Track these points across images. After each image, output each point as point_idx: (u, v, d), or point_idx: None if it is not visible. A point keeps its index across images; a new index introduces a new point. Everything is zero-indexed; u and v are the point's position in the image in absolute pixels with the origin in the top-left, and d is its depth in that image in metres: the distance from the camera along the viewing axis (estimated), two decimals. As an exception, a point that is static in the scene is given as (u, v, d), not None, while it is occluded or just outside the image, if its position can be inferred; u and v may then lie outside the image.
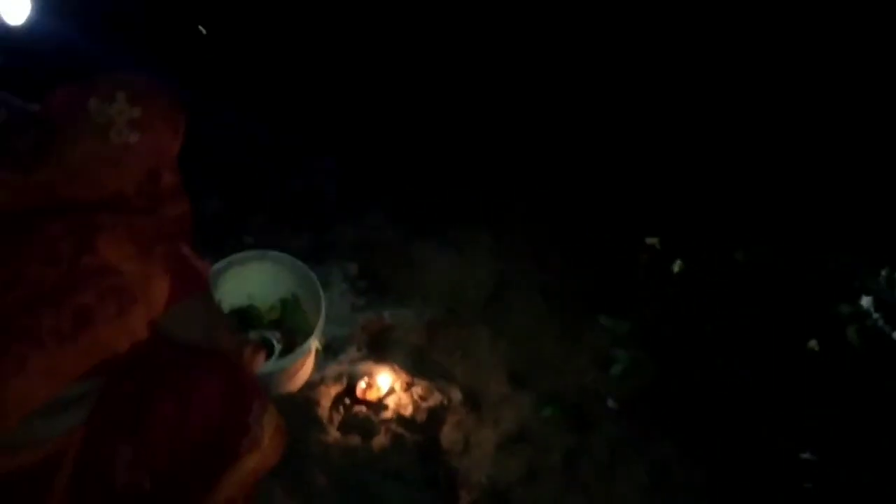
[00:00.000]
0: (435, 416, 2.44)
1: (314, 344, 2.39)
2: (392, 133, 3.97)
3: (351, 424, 2.41)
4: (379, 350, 2.74)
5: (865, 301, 2.51)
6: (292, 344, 2.41)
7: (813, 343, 2.47)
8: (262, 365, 1.83)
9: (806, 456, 2.24)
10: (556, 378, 2.57)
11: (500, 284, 3.08)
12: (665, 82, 3.97)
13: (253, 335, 2.20)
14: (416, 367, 2.66)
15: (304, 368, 2.51)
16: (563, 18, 4.23)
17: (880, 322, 2.46)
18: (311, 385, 2.53)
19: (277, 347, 2.37)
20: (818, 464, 2.20)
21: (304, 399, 2.47)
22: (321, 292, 2.39)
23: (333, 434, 2.37)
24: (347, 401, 2.49)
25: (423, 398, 2.48)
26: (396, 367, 2.60)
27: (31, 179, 1.31)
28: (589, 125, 3.90)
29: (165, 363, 1.57)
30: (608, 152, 3.74)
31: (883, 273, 2.58)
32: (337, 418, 2.44)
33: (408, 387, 2.52)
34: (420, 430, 2.40)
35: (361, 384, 2.53)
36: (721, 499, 2.18)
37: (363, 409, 2.45)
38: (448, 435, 2.38)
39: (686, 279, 2.88)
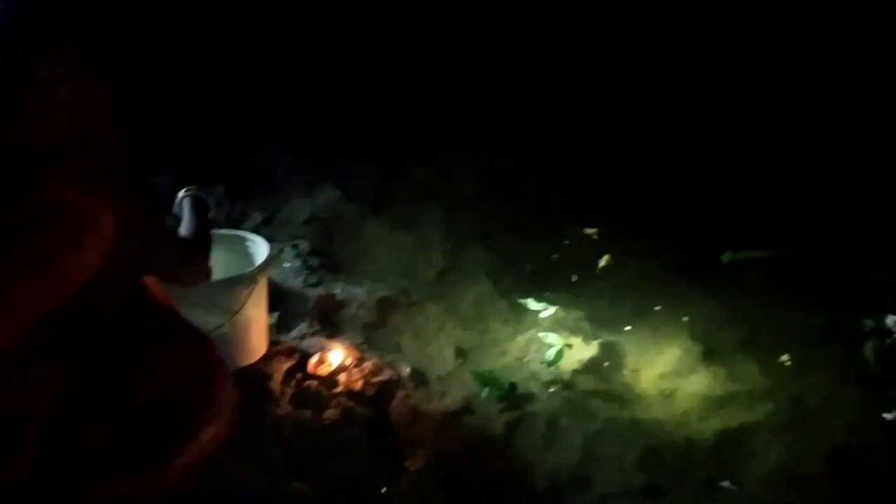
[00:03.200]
0: (384, 391, 2.52)
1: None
2: (345, 110, 4.01)
3: (302, 398, 2.47)
4: (331, 326, 2.81)
5: (890, 320, 2.60)
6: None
7: (785, 357, 2.59)
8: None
9: None
10: (501, 357, 2.68)
11: (449, 264, 3.17)
12: (631, 71, 4.05)
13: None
14: (367, 343, 2.75)
15: (258, 342, 2.58)
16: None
17: None
18: (263, 359, 2.59)
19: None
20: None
21: (257, 373, 2.52)
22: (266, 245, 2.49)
23: (285, 407, 2.43)
24: (299, 375, 2.55)
25: (373, 373, 2.56)
26: (348, 343, 2.68)
27: None
28: (547, 111, 3.99)
29: (141, 330, 1.68)
30: (568, 139, 3.83)
31: None
32: (288, 392, 2.49)
33: (358, 362, 2.60)
34: (370, 403, 2.48)
35: (313, 359, 2.59)
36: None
37: (314, 383, 2.51)
38: (397, 408, 2.46)
39: (611, 274, 3.01)
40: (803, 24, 3.85)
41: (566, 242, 3.24)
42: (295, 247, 3.20)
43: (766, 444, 2.26)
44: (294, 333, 2.75)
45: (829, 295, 2.81)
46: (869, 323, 2.63)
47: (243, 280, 2.38)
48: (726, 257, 3.02)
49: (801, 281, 2.91)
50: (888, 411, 2.33)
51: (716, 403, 2.44)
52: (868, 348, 2.55)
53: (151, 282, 1.82)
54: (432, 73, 4.18)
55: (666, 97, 3.91)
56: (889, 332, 2.56)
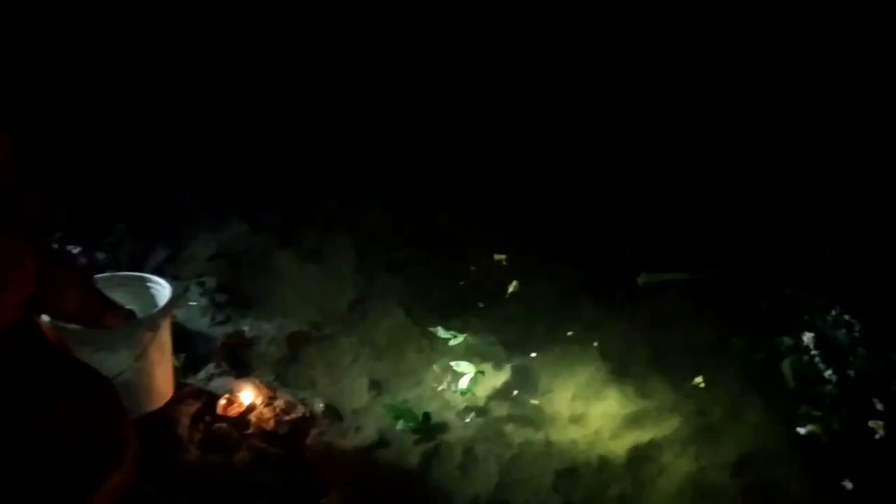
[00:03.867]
0: (298, 429, 2.48)
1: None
2: (249, 143, 3.96)
3: (212, 442, 2.41)
4: (240, 365, 2.75)
5: (807, 337, 2.66)
6: None
7: (698, 379, 2.63)
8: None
9: None
10: (415, 387, 2.68)
11: (361, 294, 3.15)
12: (537, 92, 4.12)
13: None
14: (278, 380, 2.70)
15: (163, 386, 2.50)
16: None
17: (817, 359, 2.60)
18: (170, 404, 2.51)
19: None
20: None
21: (164, 418, 2.45)
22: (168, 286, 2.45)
23: (194, 452, 2.37)
24: (208, 418, 2.49)
25: (285, 411, 2.52)
26: (258, 382, 2.63)
27: None
28: (451, 137, 4.03)
29: (41, 376, 1.66)
30: (475, 166, 3.87)
31: (833, 312, 2.73)
32: (197, 436, 2.43)
33: (270, 401, 2.55)
34: (283, 443, 2.44)
35: (222, 401, 2.53)
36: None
37: (224, 425, 2.45)
38: (311, 446, 2.43)
39: (521, 299, 3.06)
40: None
41: (474, 269, 3.26)
42: (201, 284, 3.13)
43: (675, 458, 2.33)
44: (201, 375, 2.69)
45: (747, 314, 2.89)
46: (787, 341, 2.71)
47: (145, 323, 2.32)
48: (642, 279, 3.09)
49: (719, 301, 2.98)
50: (801, 426, 2.42)
51: (626, 421, 2.49)
52: (786, 365, 2.63)
53: (48, 328, 1.81)
54: (337, 99, 4.18)
55: (571, 120, 4.00)
56: (807, 348, 2.64)
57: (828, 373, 2.55)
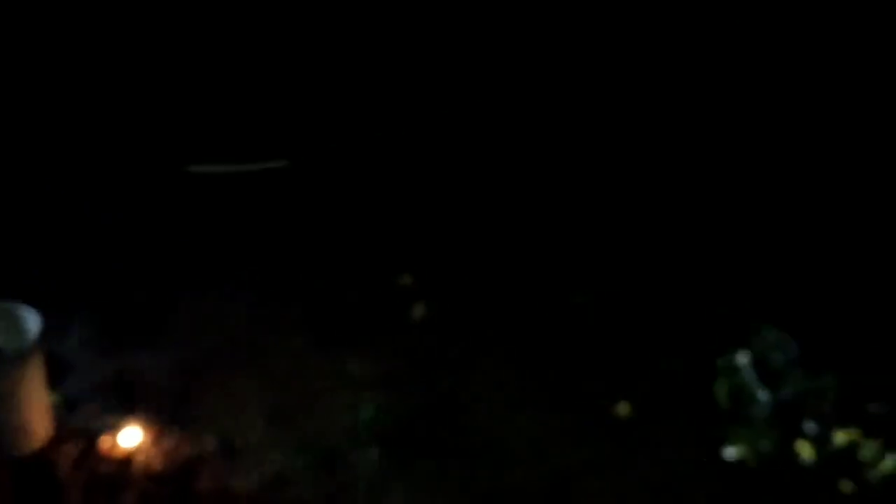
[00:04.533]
0: (189, 469, 2.37)
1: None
2: (134, 167, 3.79)
3: (95, 485, 2.30)
4: (127, 401, 2.60)
5: (741, 357, 2.65)
6: None
7: (623, 405, 2.62)
8: None
9: None
10: (316, 420, 2.58)
11: (260, 323, 3.02)
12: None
13: None
14: (167, 416, 2.55)
15: (38, 427, 2.36)
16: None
17: (752, 381, 2.58)
18: (48, 445, 2.39)
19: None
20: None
21: (41, 461, 2.34)
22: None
23: (76, 497, 2.27)
24: (89, 460, 2.37)
25: (175, 449, 2.41)
26: (146, 419, 2.50)
27: None
28: (343, 155, 3.95)
29: None
30: (379, 181, 3.79)
31: (769, 333, 2.71)
32: (79, 480, 2.32)
33: (158, 439, 2.43)
34: (172, 483, 2.33)
35: (106, 440, 2.42)
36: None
37: (108, 467, 2.34)
38: (202, 486, 2.32)
39: (430, 324, 3.01)
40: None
41: (378, 293, 3.19)
42: (85, 315, 2.94)
43: (592, 485, 2.33)
44: (82, 415, 2.53)
45: (682, 336, 2.90)
46: (722, 362, 2.70)
47: (11, 358, 2.20)
48: (576, 298, 3.07)
49: (651, 322, 2.98)
50: (731, 448, 2.45)
51: (544, 446, 2.48)
52: (720, 386, 2.63)
53: None
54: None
55: (469, 137, 3.99)
56: (742, 370, 2.65)
57: (762, 394, 2.57)
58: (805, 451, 2.43)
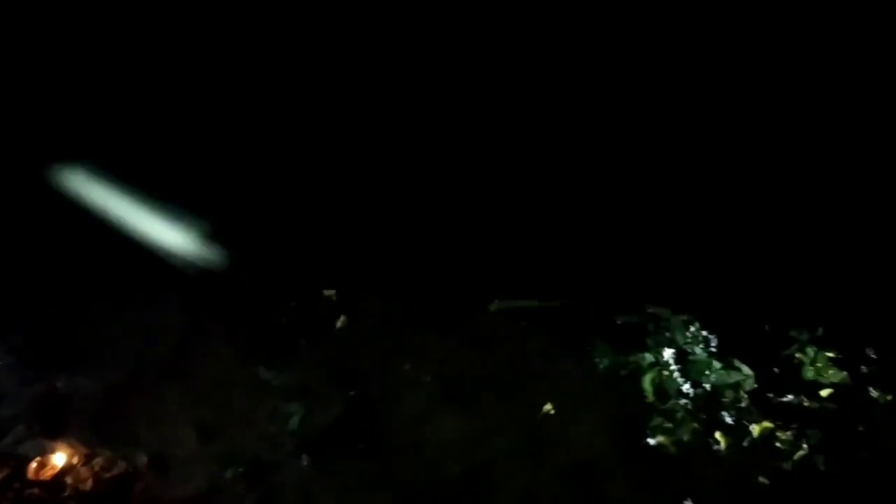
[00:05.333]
0: (121, 486, 2.37)
1: None
2: (58, 185, 3.71)
3: None
4: (53, 424, 2.57)
5: (667, 353, 2.75)
6: None
7: (548, 406, 2.67)
8: None
9: None
10: (243, 431, 2.60)
11: (186, 338, 3.01)
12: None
13: None
14: (96, 436, 2.54)
15: None
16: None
17: (676, 374, 2.69)
18: None
19: None
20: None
21: None
22: None
23: None
24: (17, 484, 2.34)
25: (105, 469, 2.39)
26: (73, 441, 2.48)
27: None
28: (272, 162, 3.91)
29: None
30: (307, 201, 3.78)
31: (692, 329, 2.83)
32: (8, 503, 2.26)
33: (87, 459, 2.40)
34: (105, 502, 2.32)
35: (33, 464, 2.39)
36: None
37: (36, 490, 2.31)
38: (135, 502, 2.31)
39: (350, 333, 3.05)
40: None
41: (302, 305, 3.21)
42: (5, 341, 2.89)
43: (511, 474, 2.40)
44: (9, 439, 2.49)
45: (610, 333, 2.97)
46: (648, 357, 2.80)
47: None
48: (494, 307, 3.14)
49: (578, 323, 3.05)
50: (653, 438, 2.55)
51: (462, 442, 2.53)
52: (646, 381, 2.73)
53: None
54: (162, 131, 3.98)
55: (417, 145, 3.98)
56: (667, 364, 2.76)
57: (685, 387, 2.69)
58: (722, 440, 2.55)
